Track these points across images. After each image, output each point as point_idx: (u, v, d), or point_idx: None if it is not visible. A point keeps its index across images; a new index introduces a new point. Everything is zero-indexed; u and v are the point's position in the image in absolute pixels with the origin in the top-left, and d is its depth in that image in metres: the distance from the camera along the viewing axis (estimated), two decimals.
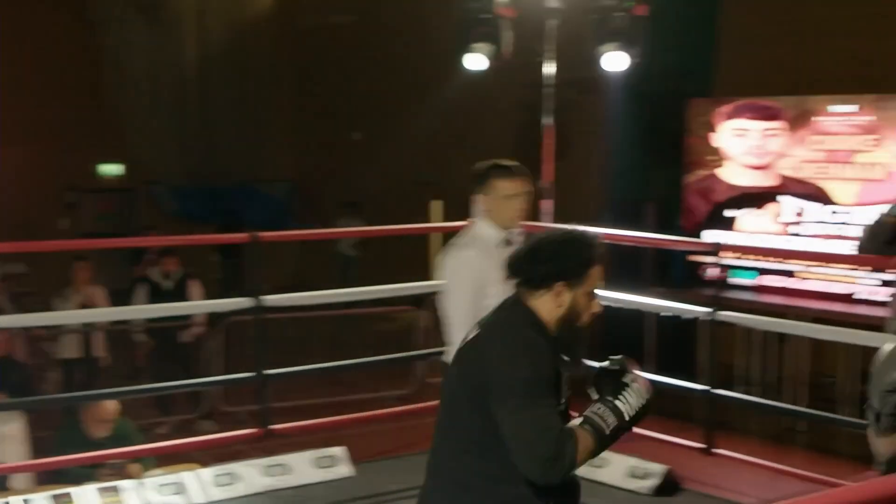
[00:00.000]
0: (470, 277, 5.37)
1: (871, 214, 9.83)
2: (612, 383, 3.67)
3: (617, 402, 3.61)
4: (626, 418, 3.61)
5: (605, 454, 6.82)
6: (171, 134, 19.77)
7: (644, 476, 7.23)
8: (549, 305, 3.70)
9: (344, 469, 7.45)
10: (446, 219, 11.99)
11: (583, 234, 3.78)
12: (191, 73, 20.18)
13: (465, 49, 8.75)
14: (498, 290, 5.42)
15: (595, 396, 3.65)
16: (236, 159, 19.80)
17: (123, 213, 19.34)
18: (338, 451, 7.52)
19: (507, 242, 5.49)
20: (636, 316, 9.69)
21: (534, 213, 8.38)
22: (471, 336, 3.76)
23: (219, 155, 19.84)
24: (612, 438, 3.59)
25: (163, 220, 17.66)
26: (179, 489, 6.90)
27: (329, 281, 16.07)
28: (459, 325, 5.26)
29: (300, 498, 7.05)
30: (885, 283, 9.95)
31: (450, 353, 5.32)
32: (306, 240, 17.41)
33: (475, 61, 8.75)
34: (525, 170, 5.62)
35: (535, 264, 3.71)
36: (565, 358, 3.69)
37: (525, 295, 3.72)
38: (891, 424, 3.56)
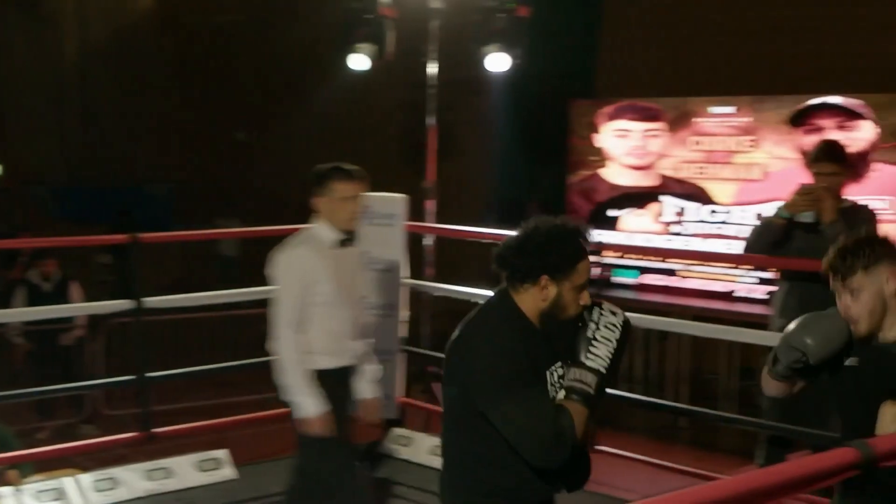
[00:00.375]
0: (298, 275, 5.53)
1: (751, 214, 10.09)
2: (583, 340, 3.66)
3: (588, 361, 3.61)
4: (604, 371, 3.61)
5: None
6: (52, 134, 19.44)
7: None
8: (533, 299, 3.68)
9: (227, 472, 7.36)
10: None
11: (571, 229, 3.74)
12: (71, 72, 19.86)
13: (349, 49, 8.72)
14: (328, 290, 5.42)
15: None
16: (119, 159, 19.52)
17: (2, 214, 18.94)
18: (221, 453, 7.43)
19: (342, 243, 5.68)
20: None
21: (417, 213, 8.39)
22: (453, 337, 3.76)
23: (101, 155, 19.55)
24: (601, 394, 3.60)
25: (44, 222, 17.34)
26: (59, 495, 6.76)
27: (213, 282, 15.92)
28: (286, 322, 5.53)
29: (183, 502, 6.95)
30: (763, 281, 10.15)
31: (276, 347, 5.62)
32: (189, 241, 17.24)
33: (358, 61, 8.73)
34: (363, 173, 5.74)
35: (521, 257, 3.68)
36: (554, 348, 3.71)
37: (511, 288, 3.72)
38: (783, 374, 3.82)
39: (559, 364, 3.70)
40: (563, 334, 3.71)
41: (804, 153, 9.73)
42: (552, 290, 3.66)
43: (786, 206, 6.14)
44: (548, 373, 3.67)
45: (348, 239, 5.72)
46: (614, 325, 3.69)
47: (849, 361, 3.76)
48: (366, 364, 5.98)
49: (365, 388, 5.99)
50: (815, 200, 6.00)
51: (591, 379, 3.57)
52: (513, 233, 3.75)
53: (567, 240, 3.70)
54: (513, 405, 3.50)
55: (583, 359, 3.61)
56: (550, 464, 3.54)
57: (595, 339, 3.64)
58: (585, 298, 3.72)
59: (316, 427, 5.60)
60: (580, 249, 3.71)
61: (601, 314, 3.70)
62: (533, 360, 3.63)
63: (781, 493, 2.03)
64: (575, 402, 3.55)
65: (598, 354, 3.62)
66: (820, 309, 3.87)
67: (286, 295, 5.56)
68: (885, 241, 3.76)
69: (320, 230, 5.69)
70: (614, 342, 3.65)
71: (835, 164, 6.16)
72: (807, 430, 6.16)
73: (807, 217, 6.03)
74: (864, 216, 6.26)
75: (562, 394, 3.61)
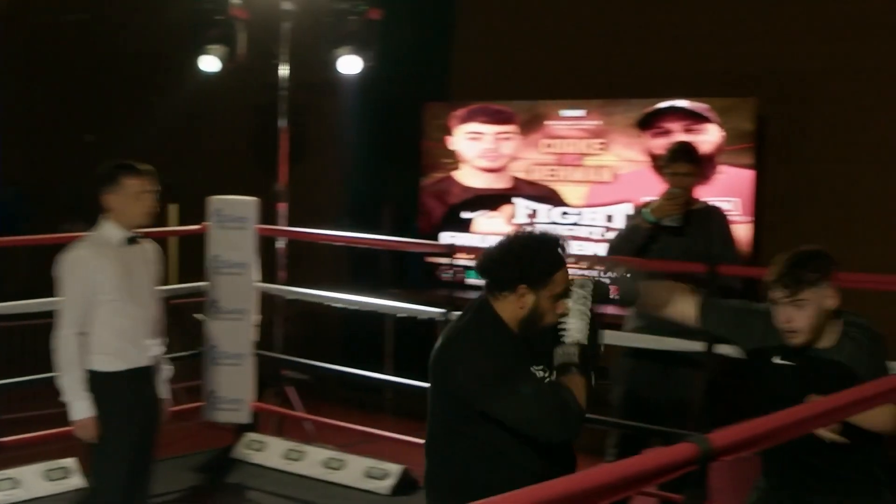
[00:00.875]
0: (81, 276, 5.50)
1: (601, 215, 10.26)
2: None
3: (566, 338, 3.76)
4: (583, 338, 3.75)
5: (343, 456, 6.86)
6: None
7: (381, 476, 7.28)
8: (511, 307, 3.81)
9: (75, 481, 7.22)
10: (182, 222, 11.78)
11: (548, 239, 3.85)
12: None
13: (199, 50, 8.62)
14: (114, 289, 5.45)
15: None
16: None
17: None
18: (69, 462, 7.29)
19: (131, 241, 5.71)
20: (376, 318, 9.76)
21: (270, 216, 8.34)
22: (436, 346, 3.87)
23: None
24: (589, 358, 3.75)
25: None
26: None
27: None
28: (68, 322, 5.48)
29: None
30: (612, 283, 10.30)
31: (55, 346, 5.55)
32: (38, 245, 16.85)
33: (209, 63, 8.64)
34: (152, 169, 5.89)
35: (499, 267, 3.82)
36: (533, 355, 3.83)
37: (491, 296, 3.85)
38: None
39: (541, 366, 3.80)
40: (543, 340, 3.84)
41: (655, 156, 9.94)
42: (530, 299, 3.78)
43: (652, 211, 6.28)
44: (532, 370, 3.78)
45: (136, 237, 5.74)
46: (584, 297, 3.82)
47: (776, 360, 4.09)
48: (161, 364, 5.91)
49: (160, 388, 5.92)
50: (681, 205, 6.15)
51: (572, 350, 3.72)
52: (491, 244, 3.93)
53: (544, 250, 3.81)
54: (512, 395, 3.62)
55: (563, 340, 3.79)
56: (570, 434, 3.73)
57: (569, 317, 3.80)
58: (563, 307, 3.82)
59: (84, 431, 5.52)
60: (557, 259, 3.83)
61: (572, 295, 3.84)
62: (516, 358, 3.77)
63: (620, 491, 2.06)
64: (570, 374, 3.69)
65: (573, 328, 3.77)
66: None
67: (69, 295, 5.50)
68: (829, 258, 3.97)
69: (107, 229, 5.72)
70: (587, 310, 3.80)
71: (689, 164, 6.32)
72: (653, 426, 6.29)
73: (673, 221, 6.19)
74: (717, 217, 6.42)
75: (553, 377, 3.77)
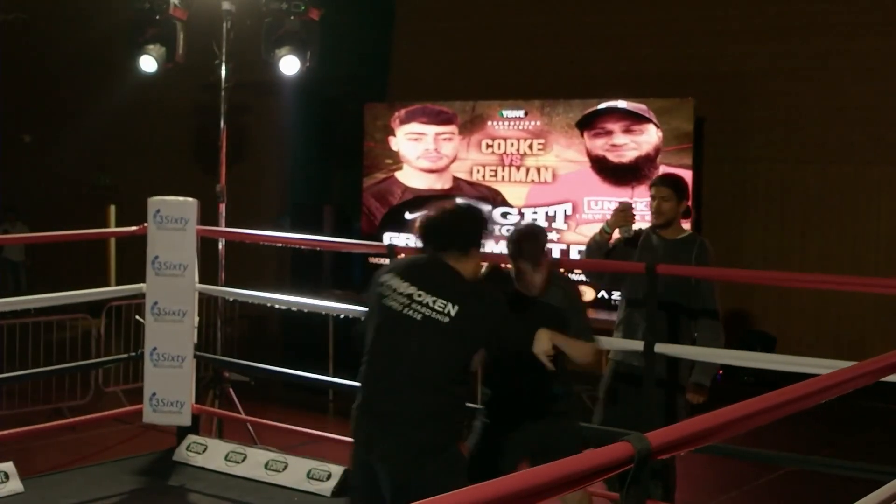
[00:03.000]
0: None
1: (542, 215, 10.30)
2: None
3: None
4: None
5: (285, 458, 6.84)
6: None
7: (324, 478, 7.26)
8: (473, 266, 4.69)
9: (14, 485, 7.13)
10: (120, 224, 11.69)
11: (476, 207, 5.01)
12: None
13: (138, 50, 8.55)
14: None
15: None
16: None
17: None
18: (6, 466, 7.20)
19: None
20: (318, 319, 9.74)
21: (211, 217, 8.29)
22: (420, 315, 4.47)
23: None
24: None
25: None
26: None
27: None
28: None
29: None
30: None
31: None
32: None
33: (147, 63, 8.56)
34: None
35: (461, 229, 4.62)
36: None
37: (451, 259, 4.58)
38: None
39: None
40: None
41: (594, 157, 10.03)
42: (480, 259, 4.79)
43: (608, 224, 6.43)
44: None
45: None
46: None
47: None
48: None
49: None
50: (630, 217, 6.40)
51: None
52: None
53: (482, 216, 4.81)
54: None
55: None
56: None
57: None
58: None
59: None
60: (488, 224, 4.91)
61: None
62: None
63: (557, 491, 2.08)
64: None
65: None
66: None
67: None
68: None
69: None
70: None
71: (665, 188, 6.42)
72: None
73: (626, 231, 6.35)
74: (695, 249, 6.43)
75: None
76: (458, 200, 4.82)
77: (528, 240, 5.23)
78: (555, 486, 2.07)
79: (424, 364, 4.48)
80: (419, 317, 4.46)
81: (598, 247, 6.45)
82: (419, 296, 4.49)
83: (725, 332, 6.23)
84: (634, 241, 6.40)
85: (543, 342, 4.76)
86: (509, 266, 5.33)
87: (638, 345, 6.03)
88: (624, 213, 6.43)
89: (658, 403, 6.11)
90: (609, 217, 6.53)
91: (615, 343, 6.35)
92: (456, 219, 4.66)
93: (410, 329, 4.47)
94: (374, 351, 4.58)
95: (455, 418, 4.63)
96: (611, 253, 6.44)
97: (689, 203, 6.58)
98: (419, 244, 4.72)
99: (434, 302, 4.47)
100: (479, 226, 4.70)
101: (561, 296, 5.36)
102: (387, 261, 7.93)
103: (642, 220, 7.58)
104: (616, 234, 6.44)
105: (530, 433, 5.21)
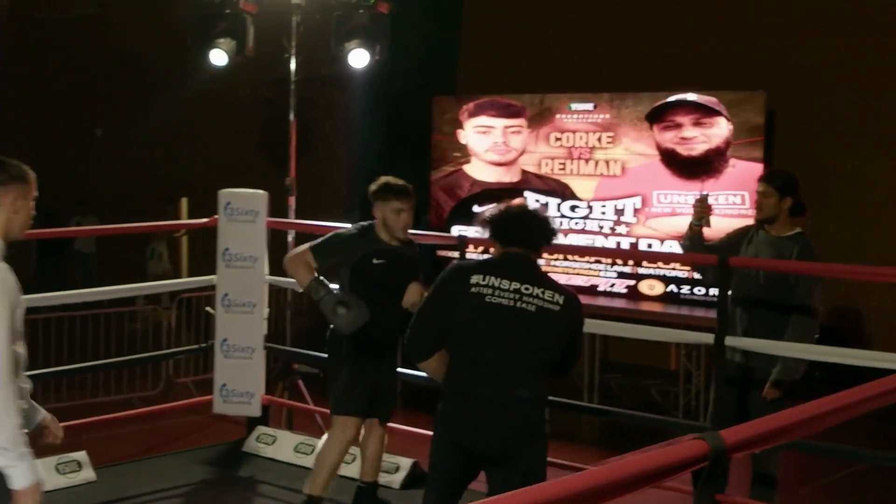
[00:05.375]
0: (10, 296, 4.03)
1: (611, 209, 10.26)
2: None
3: None
4: None
5: (353, 450, 6.87)
6: None
7: (393, 470, 7.28)
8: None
9: (87, 474, 7.23)
10: (192, 216, 11.79)
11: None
12: None
13: (208, 44, 8.61)
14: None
15: None
16: None
17: None
18: (80, 455, 7.29)
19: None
20: None
21: (280, 210, 8.34)
22: (534, 306, 4.72)
23: None
24: None
25: None
26: None
27: (69, 281, 15.63)
28: (6, 360, 3.94)
29: None
30: (622, 276, 10.35)
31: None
32: (44, 239, 16.88)
33: (218, 57, 8.62)
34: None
35: (545, 232, 4.92)
36: None
37: (533, 253, 4.91)
38: None
39: None
40: None
41: (663, 150, 9.98)
42: None
43: (693, 218, 6.50)
44: None
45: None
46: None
47: (376, 261, 6.15)
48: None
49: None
50: (706, 208, 6.44)
51: None
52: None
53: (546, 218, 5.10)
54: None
55: None
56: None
57: None
58: None
59: (33, 500, 3.93)
60: None
61: None
62: None
63: (630, 488, 2.07)
64: None
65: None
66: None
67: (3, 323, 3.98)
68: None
69: None
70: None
71: (766, 185, 6.37)
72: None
73: (703, 223, 6.45)
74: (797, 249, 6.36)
75: None
76: (523, 201, 4.98)
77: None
78: (627, 483, 2.06)
79: (538, 352, 4.78)
80: (533, 308, 4.71)
81: (692, 242, 6.49)
82: (527, 289, 4.74)
83: None
84: (743, 238, 6.36)
85: (414, 295, 5.99)
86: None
87: (708, 338, 6.03)
88: (700, 205, 6.47)
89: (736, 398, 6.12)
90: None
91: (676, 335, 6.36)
92: (542, 220, 4.97)
93: (526, 322, 4.71)
94: (479, 345, 4.79)
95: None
96: (719, 248, 6.44)
97: (793, 200, 6.43)
98: (504, 242, 4.91)
99: (543, 293, 4.74)
100: (553, 227, 4.99)
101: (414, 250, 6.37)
102: (456, 253, 7.96)
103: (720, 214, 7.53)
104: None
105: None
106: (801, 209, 6.42)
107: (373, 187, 6.38)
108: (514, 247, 4.86)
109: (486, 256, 5.18)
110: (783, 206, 6.23)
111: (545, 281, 4.85)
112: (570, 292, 4.88)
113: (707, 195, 6.83)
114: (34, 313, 10.11)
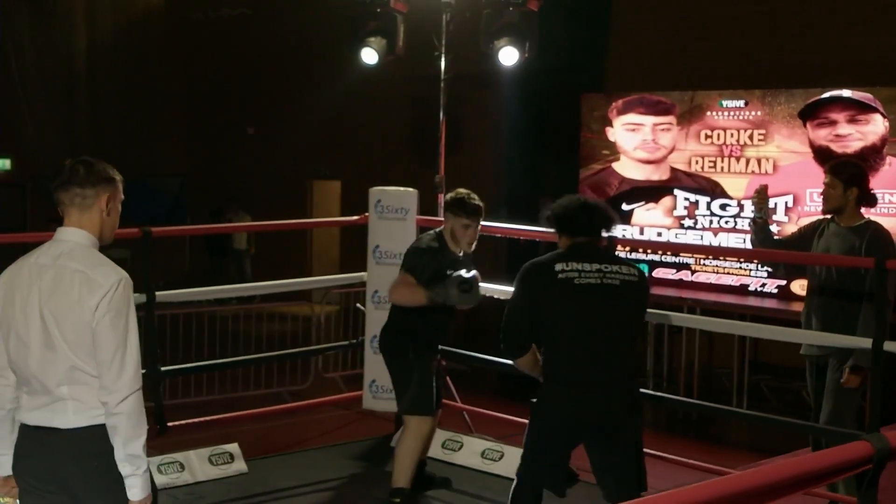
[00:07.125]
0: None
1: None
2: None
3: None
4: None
5: (501, 447, 6.88)
6: (60, 127, 19.39)
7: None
8: None
9: (238, 465, 7.37)
10: (342, 213, 11.91)
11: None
12: (80, 66, 19.85)
13: (358, 43, 8.69)
14: None
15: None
16: (127, 153, 19.48)
17: (13, 208, 18.91)
18: (232, 447, 7.44)
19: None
20: None
21: (429, 207, 8.39)
22: (618, 280, 5.12)
23: (109, 149, 19.49)
24: None
25: (54, 216, 17.35)
26: None
27: (223, 276, 15.96)
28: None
29: (194, 495, 6.96)
30: (772, 276, 10.18)
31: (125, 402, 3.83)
32: (198, 234, 17.29)
33: (368, 55, 8.70)
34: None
35: (606, 220, 5.34)
36: None
37: (597, 239, 5.33)
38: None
39: None
40: None
41: (816, 147, 9.78)
42: None
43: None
44: None
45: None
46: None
47: (450, 272, 6.33)
48: None
49: None
50: (763, 198, 6.66)
51: None
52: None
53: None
54: None
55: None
56: None
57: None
58: None
59: None
60: None
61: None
62: None
63: (793, 489, 2.03)
64: None
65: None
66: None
67: (134, 326, 4.07)
68: None
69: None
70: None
71: (832, 177, 6.42)
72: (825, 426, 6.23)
73: (761, 214, 6.64)
74: (869, 235, 6.34)
75: None
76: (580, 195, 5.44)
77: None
78: (789, 484, 2.03)
79: (629, 323, 5.25)
80: (618, 282, 5.11)
81: (761, 237, 6.64)
82: (606, 267, 5.13)
83: None
84: (815, 231, 6.41)
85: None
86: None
87: (865, 342, 5.97)
88: (758, 195, 6.65)
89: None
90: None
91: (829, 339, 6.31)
92: (602, 209, 5.41)
93: (616, 295, 5.11)
94: (578, 325, 5.12)
95: None
96: (791, 241, 6.66)
97: (859, 190, 6.36)
98: (571, 233, 5.30)
99: (620, 268, 5.16)
100: (612, 214, 5.47)
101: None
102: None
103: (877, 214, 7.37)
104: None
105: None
106: (871, 199, 6.44)
107: (447, 198, 6.77)
108: (581, 236, 5.27)
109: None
110: (849, 196, 6.26)
111: (617, 258, 5.41)
112: (636, 265, 5.41)
113: (766, 186, 6.88)
114: (190, 307, 10.38)
